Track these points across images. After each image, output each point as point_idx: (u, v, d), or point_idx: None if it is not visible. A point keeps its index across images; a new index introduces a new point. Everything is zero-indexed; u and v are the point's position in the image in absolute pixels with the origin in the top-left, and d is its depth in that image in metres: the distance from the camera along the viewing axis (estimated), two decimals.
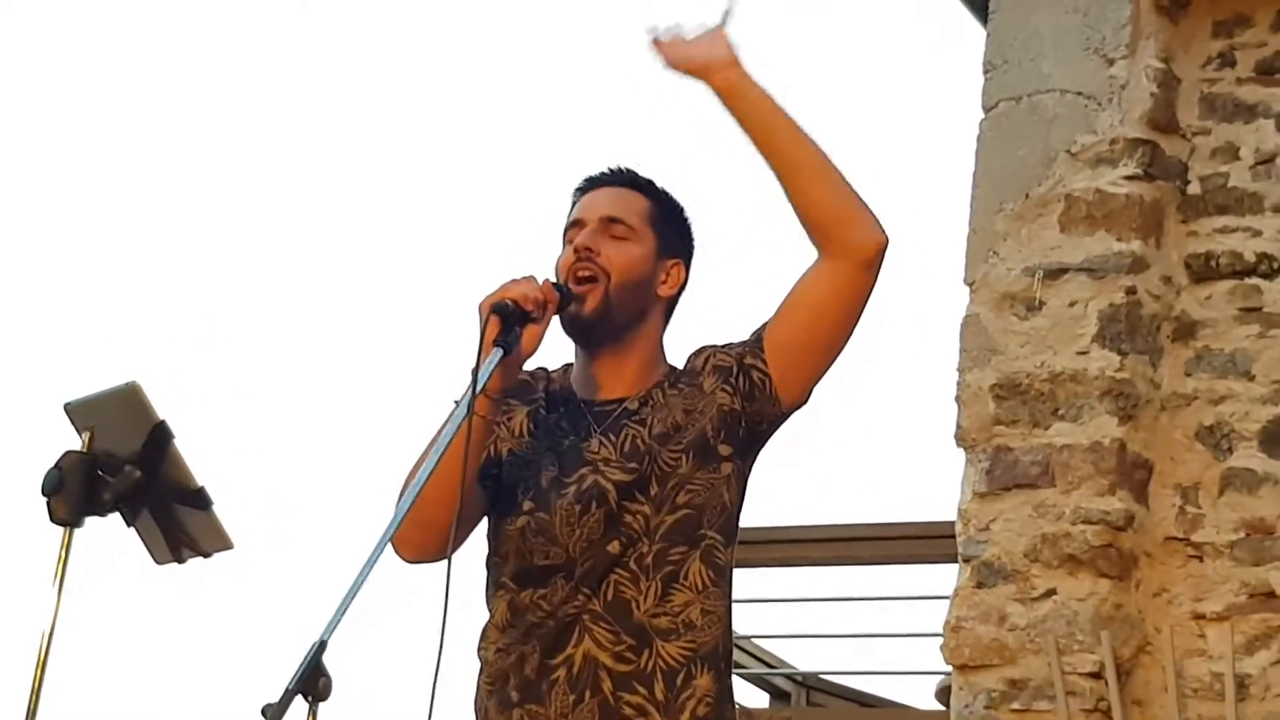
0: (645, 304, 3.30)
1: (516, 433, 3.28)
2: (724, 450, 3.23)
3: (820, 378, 3.27)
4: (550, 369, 3.36)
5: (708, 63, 3.16)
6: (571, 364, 3.36)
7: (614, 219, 3.28)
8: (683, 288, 3.36)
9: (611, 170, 3.38)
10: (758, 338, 3.25)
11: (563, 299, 3.18)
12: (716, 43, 3.17)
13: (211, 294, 13.74)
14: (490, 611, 3.26)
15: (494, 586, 3.26)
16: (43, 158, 13.60)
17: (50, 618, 3.74)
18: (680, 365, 3.35)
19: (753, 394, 3.23)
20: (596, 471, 3.20)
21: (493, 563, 3.27)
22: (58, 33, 14.04)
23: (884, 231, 3.19)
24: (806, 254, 3.22)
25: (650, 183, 3.38)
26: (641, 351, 3.30)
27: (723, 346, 3.30)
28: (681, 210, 3.39)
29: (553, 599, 3.16)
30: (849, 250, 3.17)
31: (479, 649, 3.27)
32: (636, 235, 3.29)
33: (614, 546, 3.15)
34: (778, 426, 3.29)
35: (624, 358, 3.29)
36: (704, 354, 3.30)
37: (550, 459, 3.24)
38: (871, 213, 3.20)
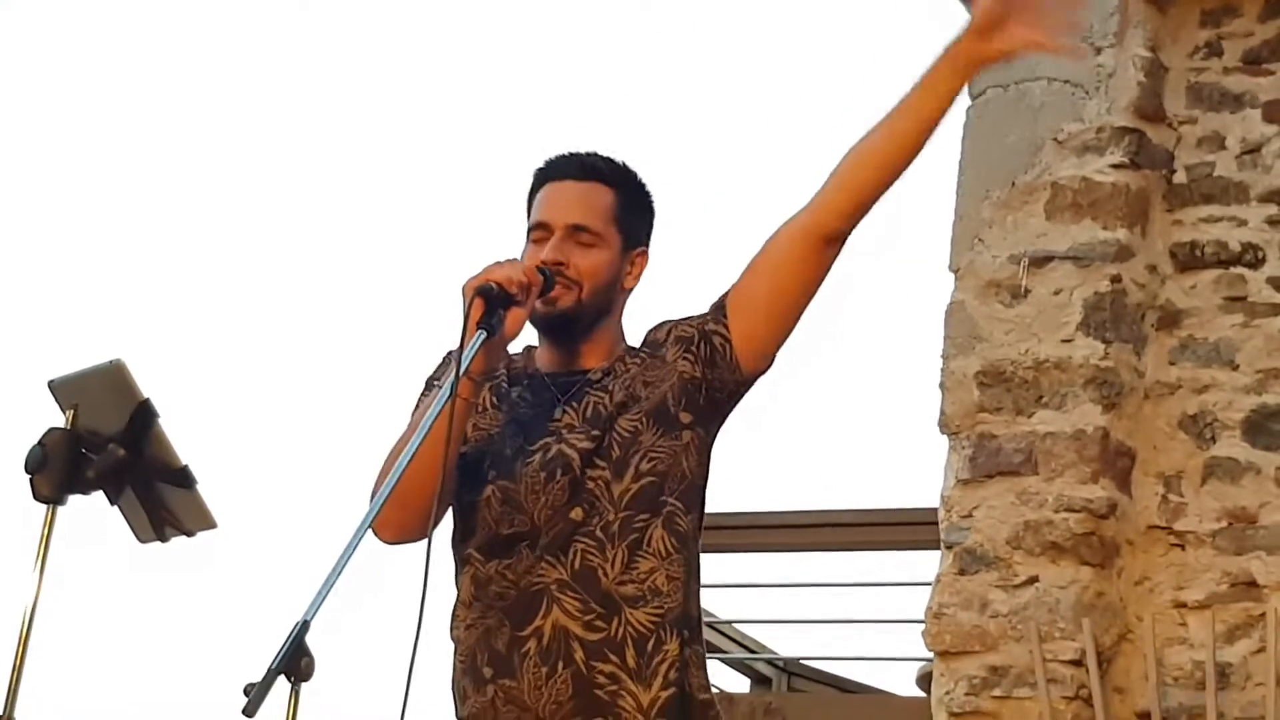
0: (613, 299, 3.32)
1: (480, 408, 3.28)
2: (684, 418, 3.23)
3: (781, 342, 3.27)
4: (511, 352, 3.35)
5: (990, 36, 3.04)
6: (533, 346, 3.37)
7: (580, 227, 3.27)
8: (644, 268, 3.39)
9: (572, 157, 3.36)
10: (720, 304, 3.26)
11: (545, 282, 3.17)
12: (1017, 36, 3.03)
13: (197, 275, 13.74)
14: (457, 589, 3.26)
15: (460, 563, 3.26)
16: (34, 147, 13.63)
17: (33, 595, 3.74)
18: (637, 343, 3.36)
19: (714, 360, 3.24)
20: (560, 440, 3.21)
21: (458, 539, 3.27)
22: (58, 32, 14.07)
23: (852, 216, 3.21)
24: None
25: (611, 167, 3.35)
26: (603, 338, 3.32)
27: (684, 319, 3.31)
28: (642, 189, 3.38)
29: (517, 568, 3.16)
30: (840, 224, 3.18)
31: (451, 630, 3.27)
32: (603, 240, 3.28)
33: (576, 513, 3.15)
34: (739, 395, 3.29)
35: (587, 346, 3.30)
36: (665, 327, 3.31)
37: (514, 429, 3.25)
38: None
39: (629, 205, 3.34)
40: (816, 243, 3.20)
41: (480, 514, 3.21)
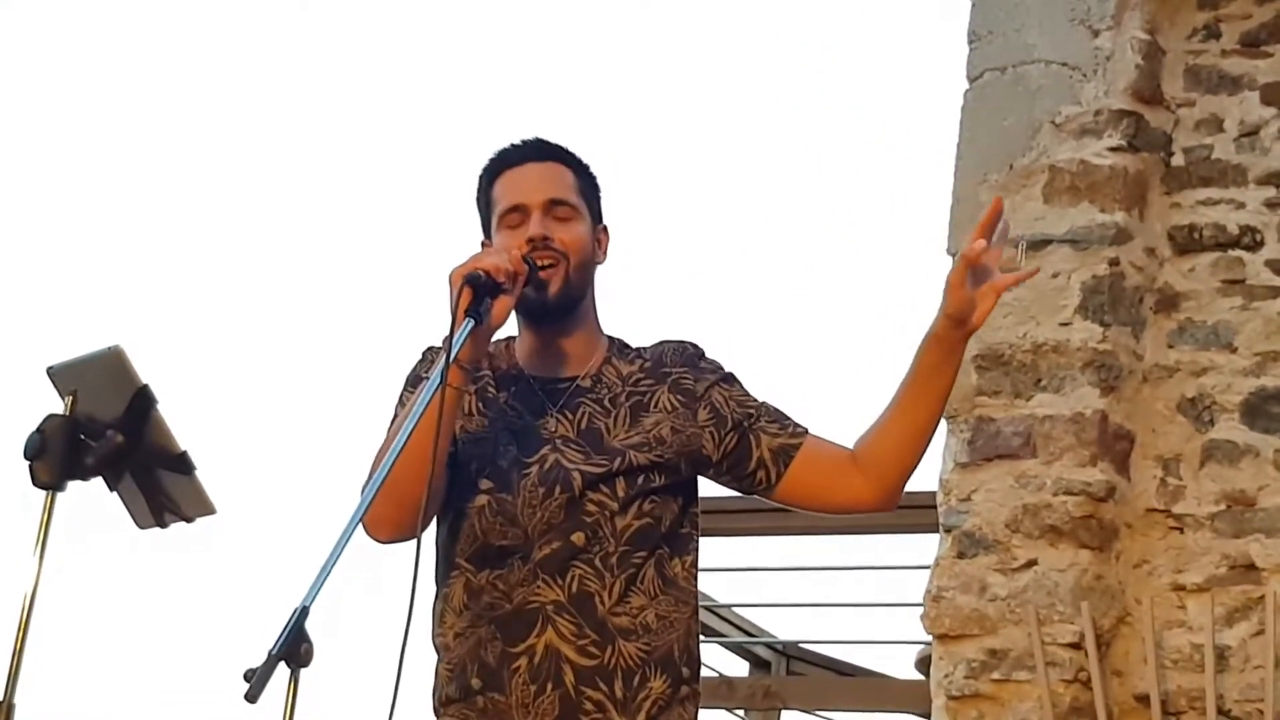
0: (591, 275, 3.33)
1: (466, 410, 3.27)
2: (684, 477, 3.28)
3: None
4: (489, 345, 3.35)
5: (968, 319, 3.12)
6: (513, 338, 3.37)
7: (557, 201, 3.28)
8: None
9: (525, 143, 3.37)
10: (786, 454, 3.30)
11: (530, 272, 3.18)
12: (985, 302, 3.12)
13: (196, 262, 13.77)
14: (447, 594, 3.25)
15: (448, 566, 3.25)
16: (36, 139, 13.68)
17: (32, 581, 3.73)
18: (616, 328, 3.39)
19: (740, 477, 3.32)
20: (556, 450, 3.21)
21: (446, 540, 3.27)
22: (59, 29, 14.11)
23: (897, 503, 3.35)
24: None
25: (565, 150, 3.38)
26: (584, 325, 3.33)
27: (723, 381, 3.33)
28: (591, 169, 3.41)
29: (509, 580, 3.17)
30: (887, 498, 3.30)
31: (435, 636, 3.26)
32: (577, 213, 3.30)
33: (578, 538, 3.16)
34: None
35: (571, 335, 3.31)
36: (706, 377, 3.32)
37: (507, 438, 3.24)
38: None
39: (587, 182, 3.38)
40: (860, 502, 3.32)
41: (471, 522, 3.21)
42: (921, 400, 3.20)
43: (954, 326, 3.12)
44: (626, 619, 3.16)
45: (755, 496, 3.39)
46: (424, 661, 3.23)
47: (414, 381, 3.32)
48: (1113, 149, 6.10)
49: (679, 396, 3.28)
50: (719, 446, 3.27)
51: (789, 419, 3.33)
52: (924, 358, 3.18)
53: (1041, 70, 6.26)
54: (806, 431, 3.32)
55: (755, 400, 3.33)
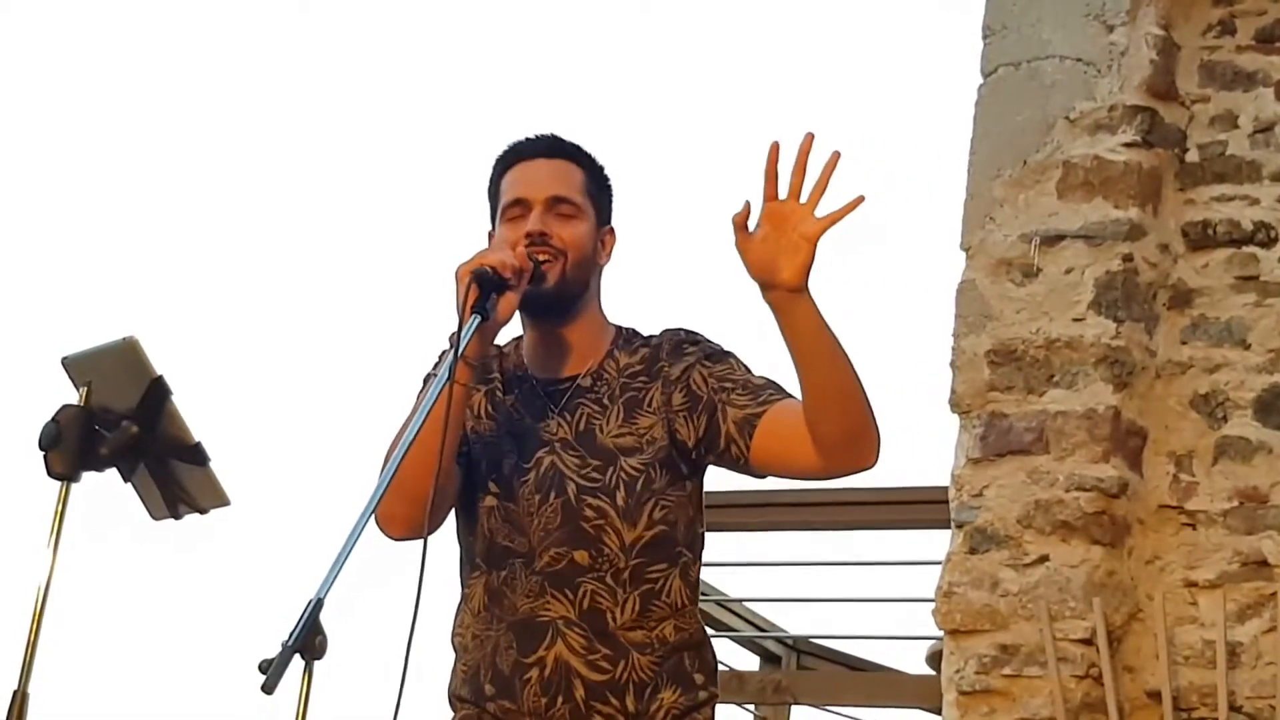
0: (592, 274, 3.32)
1: (476, 412, 3.28)
2: (685, 469, 3.24)
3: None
4: (500, 344, 3.34)
5: (774, 278, 2.94)
6: (521, 338, 3.37)
7: (560, 199, 3.27)
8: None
9: (539, 138, 3.37)
10: (749, 425, 3.15)
11: (534, 270, 3.18)
12: (799, 254, 2.92)
13: (210, 253, 13.80)
14: (468, 595, 3.27)
15: (470, 567, 3.27)
16: (46, 134, 13.73)
17: (46, 572, 3.74)
18: (627, 324, 3.38)
19: (720, 455, 3.18)
20: (553, 452, 3.22)
21: (465, 542, 3.29)
22: (64, 24, 14.15)
23: (877, 455, 3.11)
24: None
25: (578, 149, 3.37)
26: (587, 322, 3.31)
27: (706, 359, 3.24)
28: (604, 170, 3.40)
29: (516, 587, 3.19)
30: (833, 462, 3.10)
31: (453, 635, 3.28)
32: (581, 212, 3.29)
33: (581, 557, 3.17)
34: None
35: (571, 331, 3.29)
36: (685, 359, 3.25)
37: (510, 444, 3.25)
38: (874, 434, 3.09)
39: (596, 182, 3.37)
40: (824, 468, 3.12)
41: (481, 522, 3.23)
42: (808, 367, 3.00)
43: (768, 288, 2.97)
44: (642, 633, 3.17)
45: (755, 478, 3.29)
46: (436, 654, 3.24)
47: (428, 382, 3.33)
48: (1127, 145, 6.10)
49: (664, 388, 3.25)
50: (694, 430, 3.20)
51: (768, 389, 3.18)
52: (779, 327, 3.01)
53: (1056, 65, 6.25)
54: (784, 398, 3.16)
55: (741, 375, 3.22)
